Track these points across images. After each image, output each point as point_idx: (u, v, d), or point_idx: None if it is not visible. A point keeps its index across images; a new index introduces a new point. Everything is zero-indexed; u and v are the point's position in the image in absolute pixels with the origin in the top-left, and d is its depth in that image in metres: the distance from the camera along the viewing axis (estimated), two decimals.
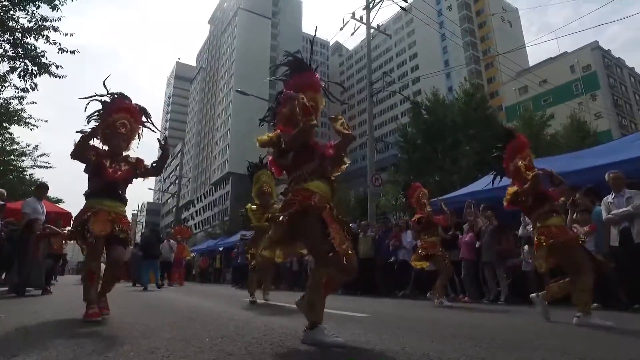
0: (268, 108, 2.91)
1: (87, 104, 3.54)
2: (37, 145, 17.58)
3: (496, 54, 47.18)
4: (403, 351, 2.08)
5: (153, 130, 3.87)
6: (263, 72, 68.63)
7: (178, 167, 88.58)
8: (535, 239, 3.65)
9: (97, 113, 3.56)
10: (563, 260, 3.58)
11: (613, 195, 5.12)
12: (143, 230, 12.87)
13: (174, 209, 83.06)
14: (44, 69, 8.28)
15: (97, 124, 3.53)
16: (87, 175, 3.49)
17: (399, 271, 8.32)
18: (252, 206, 5.82)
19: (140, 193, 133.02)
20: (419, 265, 5.99)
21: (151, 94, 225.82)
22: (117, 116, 3.50)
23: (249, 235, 15.12)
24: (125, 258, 3.75)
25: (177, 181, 78.65)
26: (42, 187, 6.97)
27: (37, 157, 17.71)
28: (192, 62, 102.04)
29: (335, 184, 2.55)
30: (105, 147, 3.53)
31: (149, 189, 69.87)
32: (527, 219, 6.44)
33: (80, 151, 3.35)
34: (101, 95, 3.54)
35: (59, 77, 8.53)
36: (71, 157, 3.35)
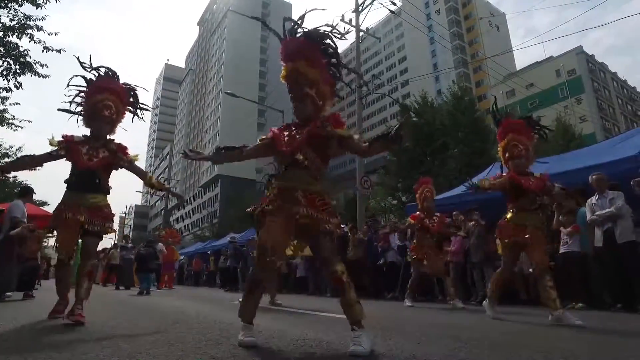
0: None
1: (70, 79, 3.30)
2: (20, 147, 17.25)
3: (484, 57, 47.81)
4: (390, 352, 2.06)
5: (144, 108, 3.58)
6: (252, 74, 68.47)
7: (166, 170, 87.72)
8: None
9: (80, 92, 3.32)
10: (504, 253, 4.09)
11: (597, 197, 5.19)
12: (140, 245, 12.71)
13: (162, 211, 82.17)
14: (27, 68, 8.13)
15: (81, 102, 3.33)
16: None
17: (387, 273, 8.33)
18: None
19: (128, 196, 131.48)
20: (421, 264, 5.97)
21: (139, 96, 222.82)
22: (102, 97, 3.23)
23: (239, 239, 15.06)
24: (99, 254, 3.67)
25: (165, 183, 77.77)
26: (28, 191, 6.82)
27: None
28: (181, 64, 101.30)
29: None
30: (87, 130, 3.32)
31: (137, 191, 69.15)
32: None
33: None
34: (85, 69, 3.28)
35: (44, 77, 8.39)
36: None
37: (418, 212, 5.97)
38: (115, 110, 3.30)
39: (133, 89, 3.47)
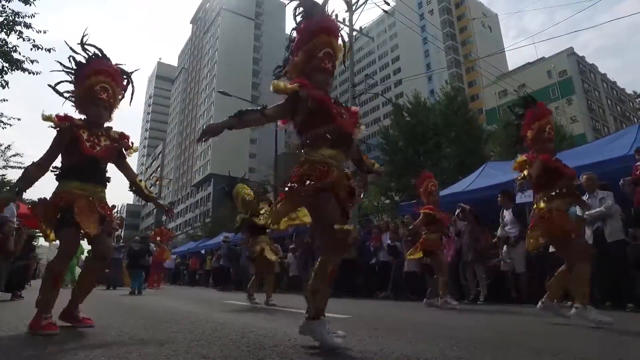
0: (284, 59, 2.50)
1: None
2: (9, 145, 17.01)
3: (477, 58, 48.11)
4: (381, 352, 2.06)
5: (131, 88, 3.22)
6: (246, 73, 68.24)
7: (159, 169, 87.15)
8: (532, 217, 3.54)
9: (72, 75, 2.97)
10: (558, 247, 3.50)
11: (587, 197, 5.25)
12: (132, 240, 12.50)
13: (155, 210, 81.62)
14: (16, 65, 8.01)
15: (71, 88, 2.99)
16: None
17: (379, 272, 8.36)
18: (243, 215, 6.11)
19: (119, 194, 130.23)
20: (414, 258, 5.76)
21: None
22: (96, 79, 2.92)
23: (232, 238, 15.03)
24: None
25: (157, 182, 77.38)
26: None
27: (10, 157, 17.13)
28: (174, 62, 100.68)
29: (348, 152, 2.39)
30: (82, 117, 2.95)
31: (129, 189, 68.22)
32: (505, 219, 6.58)
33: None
34: (76, 52, 2.96)
35: (34, 74, 8.27)
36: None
37: (429, 206, 5.64)
38: (112, 94, 3.01)
39: (128, 73, 3.19)
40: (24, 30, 7.81)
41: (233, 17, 70.88)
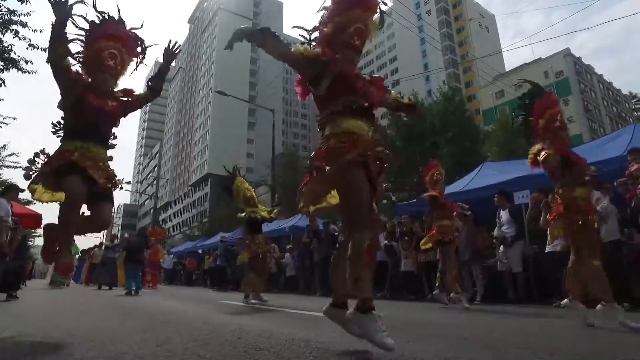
0: (313, 27, 2.35)
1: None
2: (5, 145, 16.90)
3: (474, 58, 48.24)
4: (377, 351, 2.06)
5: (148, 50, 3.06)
6: (243, 73, 68.13)
7: (156, 168, 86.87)
8: (555, 207, 3.40)
9: (82, 34, 2.80)
10: (580, 237, 3.30)
11: None
12: (127, 234, 12.38)
13: (152, 210, 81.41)
14: (12, 64, 7.97)
15: (80, 49, 2.82)
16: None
17: (376, 272, 8.35)
18: (242, 214, 6.20)
19: (116, 194, 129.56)
20: (427, 246, 5.64)
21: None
22: (106, 44, 2.77)
23: (229, 237, 14.98)
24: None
25: (154, 182, 77.14)
26: (12, 189, 6.69)
27: (6, 156, 17.03)
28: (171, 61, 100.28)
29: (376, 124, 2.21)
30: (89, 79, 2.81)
31: (126, 190, 68.05)
32: (502, 219, 6.59)
33: (60, 53, 2.62)
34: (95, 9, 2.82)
35: (29, 73, 8.24)
36: (48, 61, 2.65)
37: (432, 193, 5.54)
38: (120, 61, 2.86)
39: (141, 39, 3.01)
40: (20, 29, 7.77)
41: (231, 17, 70.71)
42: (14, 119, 12.86)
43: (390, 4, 14.10)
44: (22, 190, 7.28)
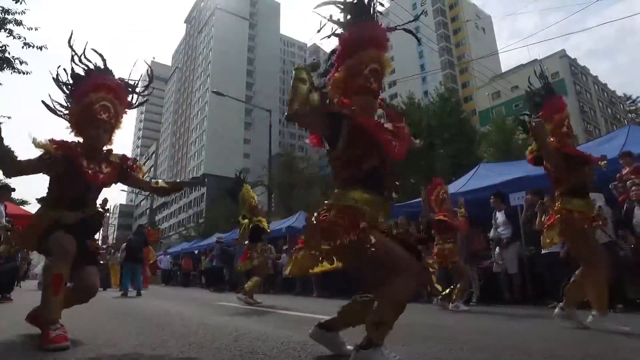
0: (322, 70, 2.08)
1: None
2: None
3: (470, 59, 48.43)
4: None
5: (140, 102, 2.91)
6: (240, 73, 68.05)
7: (152, 169, 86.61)
8: (550, 216, 3.36)
9: (69, 89, 2.64)
10: (574, 248, 3.34)
11: None
12: (129, 235, 12.29)
13: (148, 211, 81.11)
14: (6, 64, 7.91)
15: (67, 106, 2.65)
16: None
17: None
18: (245, 221, 6.40)
19: (112, 195, 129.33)
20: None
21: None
22: (97, 96, 2.57)
23: (226, 238, 14.93)
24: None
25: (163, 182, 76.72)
26: (4, 189, 6.65)
27: None
28: (168, 61, 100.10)
29: (391, 198, 1.96)
30: (79, 140, 2.60)
31: (122, 190, 67.94)
32: (498, 221, 6.61)
33: (10, 171, 2.44)
34: (75, 62, 2.63)
35: (24, 73, 8.19)
36: (9, 176, 2.52)
37: (443, 214, 5.40)
38: (114, 113, 2.65)
39: (132, 86, 2.84)
40: (14, 27, 7.72)
41: (227, 17, 70.66)
42: (9, 117, 12.77)
43: (387, 4, 14.18)
44: (14, 190, 7.24)
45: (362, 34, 1.95)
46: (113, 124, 2.68)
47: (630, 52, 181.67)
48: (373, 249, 1.65)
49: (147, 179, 2.98)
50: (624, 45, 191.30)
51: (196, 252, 18.53)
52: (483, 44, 60.49)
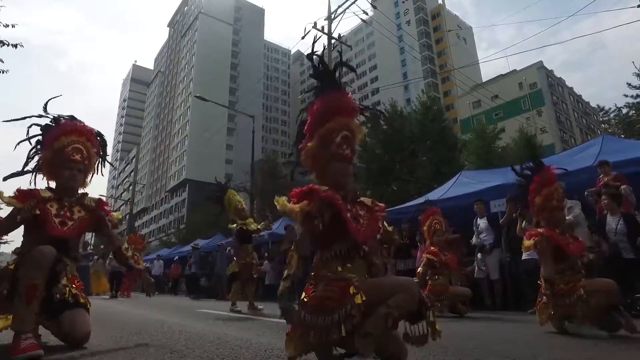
0: (295, 140, 2.14)
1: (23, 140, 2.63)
2: None
3: (452, 68, 49.36)
4: None
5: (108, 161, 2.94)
6: (223, 78, 67.67)
7: (132, 173, 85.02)
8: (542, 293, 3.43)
9: (37, 143, 2.66)
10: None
11: None
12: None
13: (127, 216, 79.44)
14: None
15: (38, 158, 2.65)
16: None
17: None
18: (233, 225, 6.34)
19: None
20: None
21: (105, 95, 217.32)
22: (68, 139, 2.58)
23: (204, 245, 14.69)
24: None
25: (130, 187, 75.46)
26: None
27: None
28: (150, 65, 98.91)
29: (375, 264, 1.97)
30: (52, 184, 2.59)
31: (100, 195, 66.12)
32: (480, 227, 6.71)
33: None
34: (40, 116, 2.66)
35: (1, 72, 7.95)
36: None
37: (433, 248, 5.30)
38: (87, 155, 2.65)
39: (101, 134, 2.89)
40: None
41: (211, 22, 70.31)
42: None
43: (370, 13, 14.41)
44: None
45: (330, 103, 1.98)
46: (87, 165, 2.68)
47: (599, 65, 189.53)
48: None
49: (120, 238, 2.96)
50: (594, 58, 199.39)
51: (176, 258, 18.16)
52: (464, 53, 61.86)
